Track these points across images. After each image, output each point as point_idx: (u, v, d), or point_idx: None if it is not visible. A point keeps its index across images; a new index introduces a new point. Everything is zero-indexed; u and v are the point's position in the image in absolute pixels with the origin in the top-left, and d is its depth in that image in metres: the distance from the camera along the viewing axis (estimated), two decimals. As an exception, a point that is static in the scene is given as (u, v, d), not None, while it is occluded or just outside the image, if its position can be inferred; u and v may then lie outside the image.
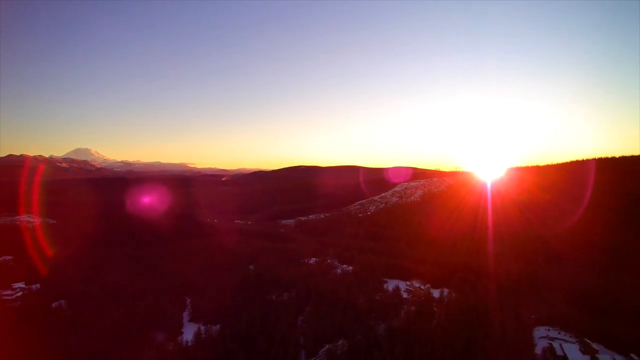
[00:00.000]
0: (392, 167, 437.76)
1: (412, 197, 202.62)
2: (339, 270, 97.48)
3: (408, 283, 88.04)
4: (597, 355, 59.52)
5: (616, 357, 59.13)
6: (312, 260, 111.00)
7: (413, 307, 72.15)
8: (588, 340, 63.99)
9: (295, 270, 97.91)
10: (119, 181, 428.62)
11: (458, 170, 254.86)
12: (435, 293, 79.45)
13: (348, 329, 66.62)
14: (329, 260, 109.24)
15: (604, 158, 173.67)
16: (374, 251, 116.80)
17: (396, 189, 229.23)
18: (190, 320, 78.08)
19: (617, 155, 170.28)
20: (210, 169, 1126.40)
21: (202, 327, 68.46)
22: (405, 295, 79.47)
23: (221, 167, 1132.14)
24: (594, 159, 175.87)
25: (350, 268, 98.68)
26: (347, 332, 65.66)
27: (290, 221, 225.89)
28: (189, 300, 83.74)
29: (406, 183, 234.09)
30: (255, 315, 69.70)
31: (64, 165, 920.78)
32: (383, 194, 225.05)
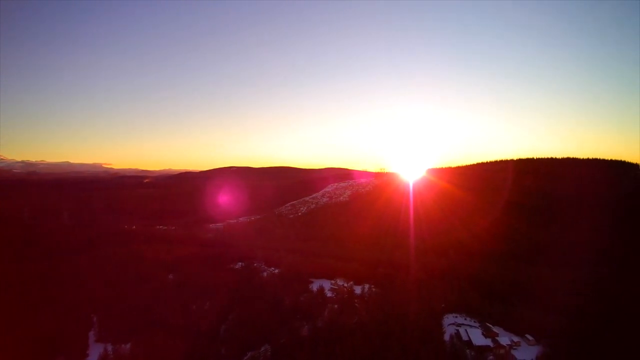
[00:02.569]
0: (324, 169, 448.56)
1: (342, 197, 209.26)
2: (265, 274, 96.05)
3: (333, 282, 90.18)
4: (497, 338, 66.91)
5: (513, 338, 67.14)
6: (239, 264, 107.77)
7: (336, 306, 73.93)
8: (489, 325, 71.65)
9: (219, 276, 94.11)
10: (16, 185, 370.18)
11: (383, 171, 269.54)
12: (358, 289, 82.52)
13: (273, 333, 65.73)
14: (255, 264, 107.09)
15: (505, 160, 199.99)
16: (302, 252, 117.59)
17: (327, 189, 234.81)
18: (97, 341, 69.87)
19: (516, 157, 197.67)
20: (130, 169, 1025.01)
21: (110, 347, 61.78)
22: (329, 294, 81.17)
23: (143, 168, 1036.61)
24: (498, 161, 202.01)
25: (277, 270, 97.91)
26: (272, 336, 64.72)
27: (219, 225, 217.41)
28: (95, 317, 74.98)
29: (336, 184, 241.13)
30: (174, 328, 65.11)
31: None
32: (314, 195, 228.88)
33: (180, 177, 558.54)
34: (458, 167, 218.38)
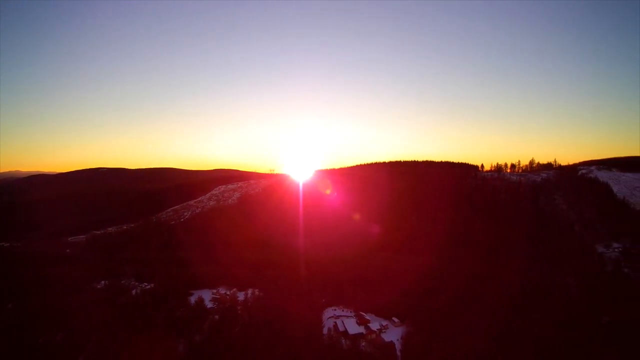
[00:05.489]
0: (211, 170, 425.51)
1: (230, 200, 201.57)
2: (135, 291, 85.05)
3: (214, 291, 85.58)
4: (369, 324, 73.11)
5: (382, 322, 74.25)
6: (102, 283, 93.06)
7: (217, 316, 70.26)
8: (362, 313, 77.81)
9: (76, 300, 79.54)
10: None
11: (273, 171, 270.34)
12: (242, 296, 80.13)
13: (141, 359, 58.40)
14: (123, 281, 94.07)
15: (379, 162, 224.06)
16: (183, 262, 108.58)
17: (213, 192, 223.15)
18: None
19: (387, 160, 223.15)
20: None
21: None
22: (210, 305, 76.57)
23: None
24: (374, 163, 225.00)
25: (150, 285, 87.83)
26: (139, 363, 57.45)
27: (81, 237, 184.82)
28: None
29: (224, 186, 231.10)
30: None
31: None
32: (200, 198, 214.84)
33: (30, 181, 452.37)
34: (342, 169, 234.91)
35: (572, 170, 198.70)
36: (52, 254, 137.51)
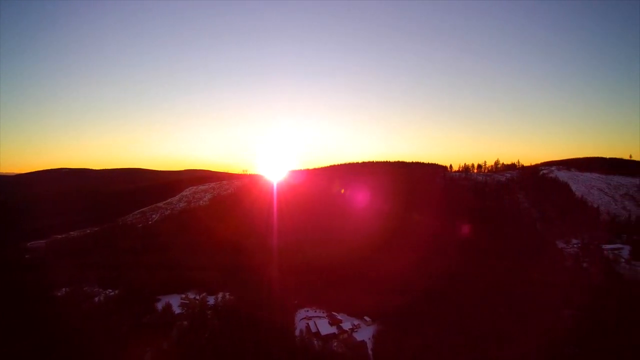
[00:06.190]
0: (181, 171, 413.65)
1: (201, 202, 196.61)
2: (98, 298, 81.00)
3: (183, 296, 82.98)
4: (341, 324, 73.30)
5: (354, 322, 74.64)
6: (63, 290, 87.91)
7: (186, 322, 68.04)
8: (335, 313, 77.90)
9: (34, 310, 74.39)
10: None
11: (246, 172, 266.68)
12: (212, 300, 78.11)
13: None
14: (86, 288, 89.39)
15: (353, 163, 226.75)
16: (150, 266, 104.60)
17: (184, 193, 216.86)
18: None
19: (360, 161, 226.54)
20: None
21: None
22: (178, 311, 74.10)
23: None
24: (347, 163, 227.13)
25: (115, 292, 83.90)
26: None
27: (42, 242, 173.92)
28: None
29: (195, 187, 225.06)
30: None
31: None
32: (169, 200, 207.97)
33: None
34: (316, 169, 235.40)
35: (534, 171, 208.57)
36: (9, 261, 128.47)
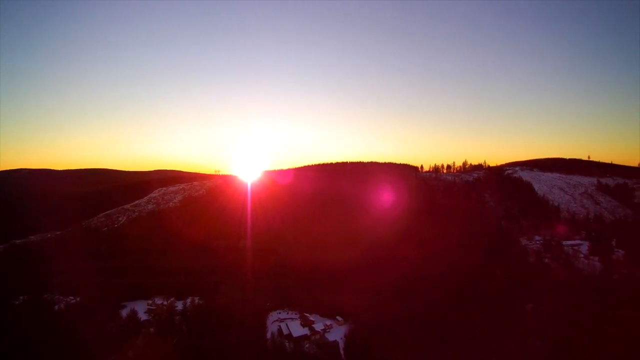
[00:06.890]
0: (150, 171, 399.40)
1: (171, 203, 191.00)
2: (59, 306, 76.74)
3: (150, 302, 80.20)
4: (313, 325, 73.19)
5: (327, 322, 74.73)
6: (20, 299, 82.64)
7: (152, 329, 65.73)
8: (307, 314, 77.73)
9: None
10: None
11: (219, 172, 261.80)
12: (180, 305, 75.91)
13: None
14: (46, 295, 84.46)
15: (327, 163, 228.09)
16: (115, 271, 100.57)
17: (153, 194, 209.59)
18: None
19: (334, 161, 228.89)
20: None
21: None
22: (144, 317, 71.48)
23: None
24: (322, 164, 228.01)
25: (77, 299, 79.88)
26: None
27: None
28: None
29: (164, 188, 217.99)
30: None
31: None
32: (137, 202, 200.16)
33: None
34: (290, 169, 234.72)
35: (499, 171, 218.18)
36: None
